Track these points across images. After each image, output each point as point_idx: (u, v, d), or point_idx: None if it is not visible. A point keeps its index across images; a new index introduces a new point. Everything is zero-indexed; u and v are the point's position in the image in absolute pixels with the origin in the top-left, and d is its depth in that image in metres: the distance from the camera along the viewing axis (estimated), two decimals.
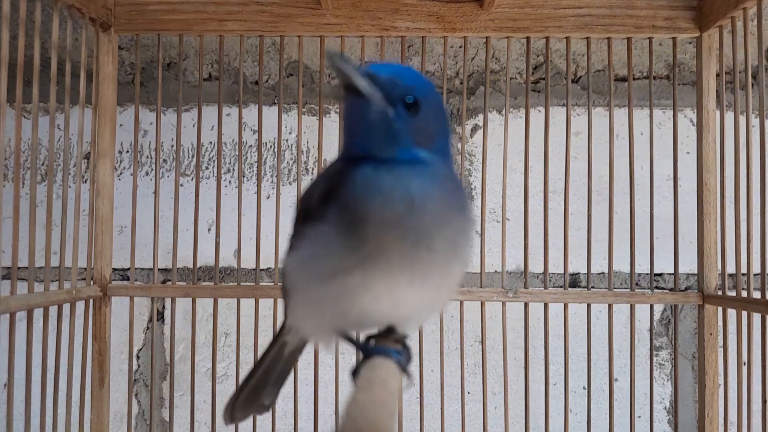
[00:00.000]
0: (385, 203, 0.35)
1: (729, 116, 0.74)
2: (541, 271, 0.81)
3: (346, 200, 0.36)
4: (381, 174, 0.36)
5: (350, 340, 0.41)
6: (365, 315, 0.38)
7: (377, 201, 0.36)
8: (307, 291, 0.39)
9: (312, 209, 0.39)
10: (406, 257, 0.35)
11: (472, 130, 0.85)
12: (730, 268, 0.69)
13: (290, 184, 0.84)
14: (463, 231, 0.38)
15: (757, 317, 0.61)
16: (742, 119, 0.74)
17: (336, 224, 0.36)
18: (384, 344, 0.42)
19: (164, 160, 0.84)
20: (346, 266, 0.36)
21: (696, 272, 0.72)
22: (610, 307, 0.71)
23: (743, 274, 0.63)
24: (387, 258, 0.35)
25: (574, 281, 0.84)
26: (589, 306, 0.70)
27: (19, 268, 0.57)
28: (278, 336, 0.50)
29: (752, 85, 0.81)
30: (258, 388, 0.51)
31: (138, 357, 0.83)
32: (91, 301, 0.70)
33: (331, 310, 0.38)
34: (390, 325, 0.43)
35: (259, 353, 0.64)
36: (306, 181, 0.80)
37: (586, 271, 0.75)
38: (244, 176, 0.84)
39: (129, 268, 0.75)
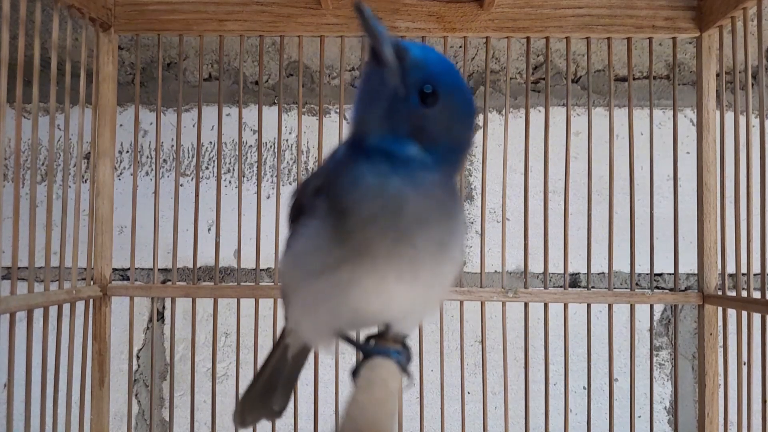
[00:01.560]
0: (365, 199, 0.35)
1: (729, 116, 0.74)
2: (541, 271, 0.81)
3: (333, 192, 0.36)
4: (367, 169, 0.36)
5: (350, 340, 0.41)
6: (357, 312, 0.38)
7: (358, 196, 0.35)
8: (300, 288, 0.39)
9: (304, 204, 0.39)
10: (391, 254, 0.35)
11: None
12: (730, 268, 0.69)
13: (290, 184, 0.84)
14: (450, 231, 0.37)
15: (757, 317, 0.60)
16: (742, 119, 0.74)
17: (325, 216, 0.36)
18: (384, 344, 0.41)
19: (164, 160, 0.84)
20: (335, 260, 0.36)
21: (696, 272, 0.72)
22: (610, 307, 0.71)
23: (743, 274, 0.63)
24: (372, 253, 0.35)
25: (574, 281, 0.84)
26: (589, 306, 0.70)
27: (19, 268, 0.57)
28: (280, 339, 0.49)
29: (752, 85, 0.81)
30: (267, 393, 0.50)
31: (138, 357, 0.83)
32: (91, 301, 0.70)
33: (324, 308, 0.38)
34: (386, 324, 0.43)
35: (260, 353, 0.64)
36: None
37: (586, 271, 0.75)
38: (244, 176, 0.84)
39: (129, 268, 0.75)
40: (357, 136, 0.38)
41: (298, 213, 0.40)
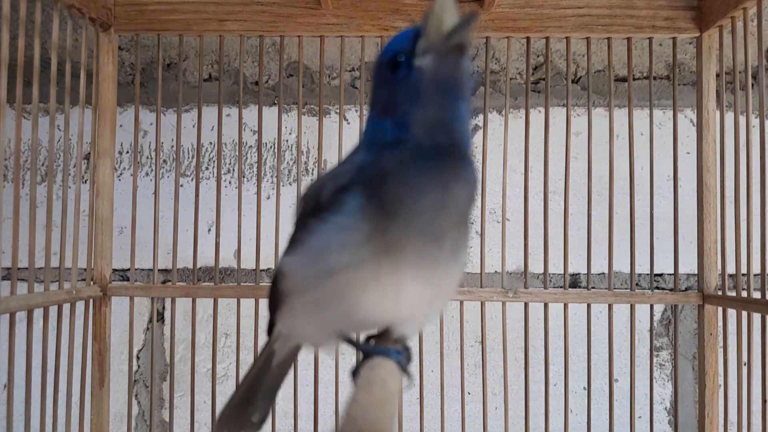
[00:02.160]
0: (414, 196, 0.35)
1: (729, 116, 0.74)
2: (541, 271, 0.81)
3: (376, 188, 0.36)
4: (418, 167, 0.35)
5: (350, 340, 0.41)
6: (367, 313, 0.37)
7: (408, 193, 0.35)
8: (309, 289, 0.38)
9: (322, 203, 0.38)
10: (418, 253, 0.35)
11: (472, 131, 0.85)
12: (730, 268, 0.69)
13: (290, 184, 0.84)
14: (467, 235, 0.38)
15: (757, 317, 0.60)
16: (742, 119, 0.74)
17: (354, 213, 0.36)
18: (384, 344, 0.41)
19: (164, 161, 0.84)
20: (359, 257, 0.35)
21: (696, 272, 0.72)
22: (610, 307, 0.71)
23: (743, 274, 0.63)
24: (402, 251, 0.35)
25: (574, 281, 0.84)
26: (589, 306, 0.70)
27: (19, 268, 0.57)
28: (265, 346, 0.48)
29: (752, 85, 0.81)
30: (246, 403, 0.49)
31: (138, 357, 0.83)
32: (91, 301, 0.70)
33: (334, 308, 0.37)
34: (389, 325, 0.42)
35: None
36: (306, 182, 0.80)
37: (586, 271, 0.75)
38: (244, 177, 0.84)
39: (129, 269, 0.75)
40: (394, 135, 0.37)
41: (313, 212, 0.39)
